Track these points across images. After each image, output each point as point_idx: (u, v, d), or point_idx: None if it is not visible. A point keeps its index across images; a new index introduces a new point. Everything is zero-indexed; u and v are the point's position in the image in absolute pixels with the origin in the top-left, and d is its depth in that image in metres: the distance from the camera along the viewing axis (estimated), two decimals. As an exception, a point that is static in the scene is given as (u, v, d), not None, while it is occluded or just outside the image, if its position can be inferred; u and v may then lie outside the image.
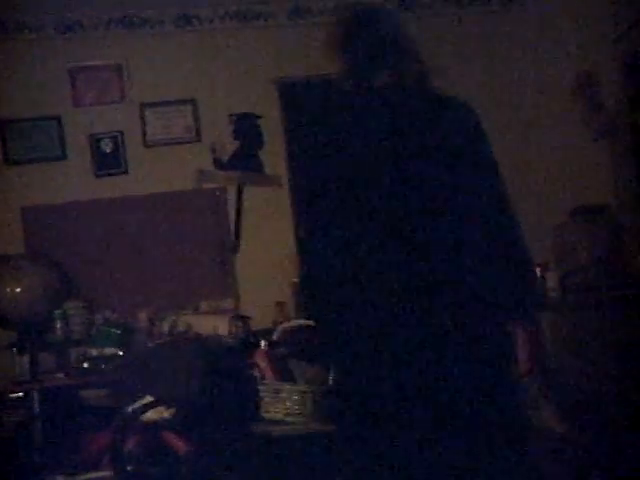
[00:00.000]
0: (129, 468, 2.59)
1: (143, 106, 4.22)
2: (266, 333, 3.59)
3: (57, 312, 3.73)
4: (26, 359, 3.56)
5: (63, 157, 4.16)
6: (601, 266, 3.45)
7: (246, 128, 4.18)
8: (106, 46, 4.20)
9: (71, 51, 4.16)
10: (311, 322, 2.16)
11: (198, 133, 4.25)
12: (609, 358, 3.07)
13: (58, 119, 4.15)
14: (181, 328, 3.92)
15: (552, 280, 3.84)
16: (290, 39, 4.30)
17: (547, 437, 3.53)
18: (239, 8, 4.28)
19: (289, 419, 2.29)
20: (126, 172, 4.21)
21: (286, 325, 2.56)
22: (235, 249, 4.22)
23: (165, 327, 3.93)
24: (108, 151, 4.19)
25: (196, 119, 4.26)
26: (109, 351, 3.60)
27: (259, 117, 4.20)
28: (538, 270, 3.92)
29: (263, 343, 2.60)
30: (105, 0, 4.01)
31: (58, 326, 3.73)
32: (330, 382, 2.18)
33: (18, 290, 3.69)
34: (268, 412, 2.33)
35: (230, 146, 4.22)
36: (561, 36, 4.05)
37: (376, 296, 1.61)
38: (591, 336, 3.19)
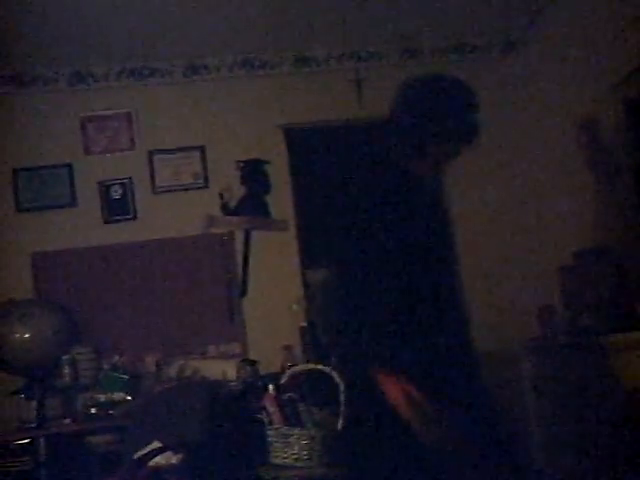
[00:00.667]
0: (137, 515, 2.56)
1: (152, 153, 4.30)
2: (274, 377, 3.59)
3: (65, 357, 3.74)
4: (33, 405, 3.55)
5: (73, 204, 4.22)
6: (606, 309, 3.45)
7: (253, 174, 4.25)
8: (117, 96, 4.29)
9: (83, 101, 4.26)
10: (319, 366, 2.16)
11: (206, 179, 4.31)
12: (616, 400, 3.05)
13: (69, 167, 4.22)
14: (189, 373, 3.92)
15: (558, 323, 3.84)
16: (295, 86, 4.40)
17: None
18: (246, 57, 4.39)
19: (298, 464, 2.28)
20: (135, 218, 4.26)
21: (294, 369, 2.56)
22: (243, 293, 4.25)
23: (173, 372, 3.93)
24: (117, 197, 4.25)
25: (204, 165, 4.32)
26: (117, 396, 3.60)
27: (266, 162, 4.27)
28: (545, 312, 3.94)
29: (271, 387, 2.60)
30: (116, 52, 4.11)
31: (66, 371, 3.73)
32: (339, 427, 2.18)
33: (26, 336, 3.70)
34: (277, 457, 2.32)
35: (238, 192, 4.29)
36: (563, 81, 4.12)
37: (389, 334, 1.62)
38: (597, 378, 3.17)
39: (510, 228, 4.44)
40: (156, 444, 2.78)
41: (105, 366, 3.86)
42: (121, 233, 4.20)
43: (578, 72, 3.94)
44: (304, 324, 4.00)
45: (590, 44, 3.81)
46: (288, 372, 2.59)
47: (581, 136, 3.90)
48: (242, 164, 4.26)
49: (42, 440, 3.42)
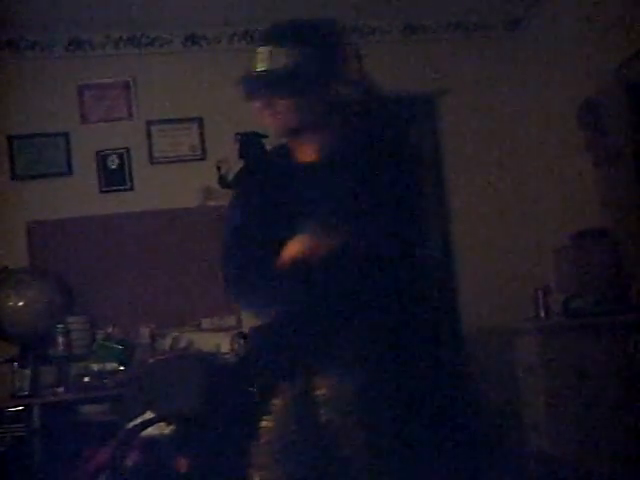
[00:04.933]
0: (129, 484, 2.58)
1: (150, 123, 4.26)
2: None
3: (59, 327, 3.74)
4: (27, 373, 3.56)
5: (69, 173, 4.19)
6: (602, 290, 3.46)
7: (251, 147, 4.22)
8: (114, 64, 4.24)
9: (80, 69, 4.21)
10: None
11: (204, 151, 4.29)
12: (610, 382, 3.07)
13: (66, 135, 4.18)
14: (183, 344, 3.93)
15: (554, 304, 3.86)
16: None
17: (546, 461, 3.52)
18: (247, 29, 4.33)
19: (290, 437, 2.29)
20: (131, 188, 4.23)
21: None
22: (238, 267, 4.24)
23: (167, 343, 3.94)
24: (114, 167, 4.22)
25: (202, 137, 4.29)
26: (110, 366, 3.61)
27: (264, 137, 4.23)
28: (540, 293, 3.95)
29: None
30: (115, 19, 4.06)
31: (60, 341, 3.73)
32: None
33: (21, 304, 3.70)
34: (269, 430, 2.32)
35: (235, 165, 4.26)
36: (564, 62, 4.10)
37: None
38: (591, 360, 3.19)
39: (508, 208, 4.44)
40: (149, 414, 2.79)
41: (99, 336, 3.87)
42: (117, 203, 4.18)
43: (580, 53, 3.91)
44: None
45: (593, 25, 3.77)
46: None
47: (581, 117, 3.88)
48: (240, 137, 4.23)
49: (36, 408, 3.43)
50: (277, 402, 1.68)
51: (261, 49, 1.80)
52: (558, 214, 4.22)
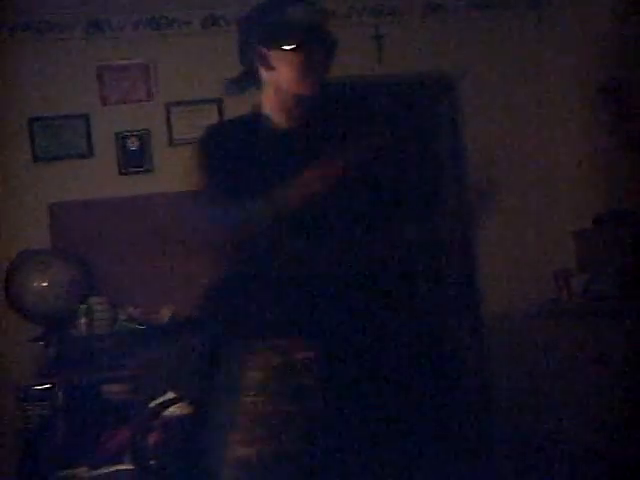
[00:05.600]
0: (151, 463, 2.62)
1: (169, 105, 4.27)
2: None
3: (81, 307, 3.79)
4: (51, 353, 3.61)
5: (90, 154, 4.21)
6: (623, 273, 3.43)
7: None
8: (134, 46, 4.24)
9: (99, 50, 4.21)
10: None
11: (223, 133, 4.28)
12: (632, 366, 3.05)
13: (86, 117, 4.20)
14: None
15: (575, 287, 3.83)
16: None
17: (568, 446, 3.52)
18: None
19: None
20: (151, 170, 4.25)
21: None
22: (258, 248, 4.25)
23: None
24: (134, 149, 4.24)
25: (221, 118, 4.29)
26: (132, 347, 3.65)
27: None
28: (562, 276, 3.93)
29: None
30: (133, 1, 4.05)
31: (82, 321, 3.78)
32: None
33: (44, 284, 3.74)
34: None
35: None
36: (591, 41, 4.03)
37: None
38: (614, 344, 3.18)
39: (528, 190, 4.40)
40: (170, 394, 2.82)
41: (120, 317, 3.91)
42: (137, 185, 4.20)
43: (604, 34, 3.85)
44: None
45: (618, 4, 3.71)
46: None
47: (603, 99, 3.83)
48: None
49: (60, 387, 3.48)
50: (255, 374, 1.62)
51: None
52: (579, 196, 4.18)
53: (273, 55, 1.76)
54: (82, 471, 2.94)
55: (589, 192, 4.06)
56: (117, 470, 2.82)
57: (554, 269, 4.00)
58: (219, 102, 4.28)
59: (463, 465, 1.56)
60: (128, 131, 4.23)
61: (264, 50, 1.77)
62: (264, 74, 1.81)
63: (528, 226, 4.34)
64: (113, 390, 3.50)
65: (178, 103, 4.27)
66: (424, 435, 1.59)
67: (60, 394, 3.45)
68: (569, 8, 4.21)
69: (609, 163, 3.87)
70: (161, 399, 2.85)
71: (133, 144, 4.24)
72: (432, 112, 4.50)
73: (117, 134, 4.23)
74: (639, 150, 3.61)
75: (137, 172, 4.23)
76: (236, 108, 4.49)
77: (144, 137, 4.24)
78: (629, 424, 3.04)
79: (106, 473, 2.85)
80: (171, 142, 4.27)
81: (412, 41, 4.35)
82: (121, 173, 4.23)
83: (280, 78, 1.78)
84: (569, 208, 4.27)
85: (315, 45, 1.74)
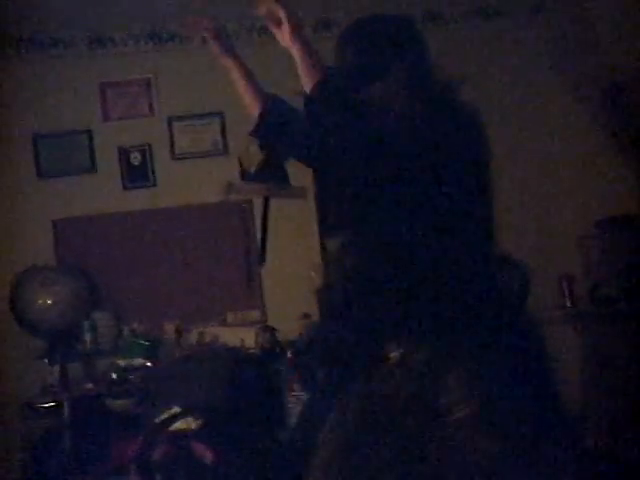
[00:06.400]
0: (157, 477, 2.61)
1: (171, 119, 4.28)
2: (292, 344, 3.61)
3: (86, 323, 3.79)
4: (56, 369, 3.61)
5: (93, 170, 4.23)
6: (628, 278, 3.41)
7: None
8: (136, 61, 4.27)
9: (102, 66, 4.24)
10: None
11: (226, 146, 4.30)
12: (637, 369, 3.03)
13: (89, 133, 4.22)
14: (208, 340, 3.96)
15: (579, 292, 3.82)
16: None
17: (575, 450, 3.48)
18: (263, 23, 4.32)
19: (316, 430, 2.30)
20: (154, 185, 4.26)
21: (313, 335, 2.58)
22: (261, 261, 4.25)
23: (192, 339, 3.97)
24: (137, 164, 4.25)
25: (224, 132, 4.30)
26: (137, 362, 3.64)
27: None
28: (566, 282, 3.91)
29: (289, 354, 2.63)
30: (135, 16, 4.08)
31: (87, 337, 3.78)
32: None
33: (49, 301, 3.75)
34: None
35: (258, 158, 4.27)
36: (589, 45, 4.03)
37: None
38: (619, 347, 3.16)
39: (532, 195, 4.39)
40: (176, 409, 2.82)
41: (125, 332, 3.91)
42: (140, 200, 4.21)
43: (604, 37, 3.85)
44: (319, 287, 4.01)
45: (615, 8, 3.71)
46: (306, 338, 2.61)
47: (606, 102, 3.83)
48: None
49: (65, 403, 3.48)
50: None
51: None
52: (583, 201, 4.16)
53: None
54: (88, 486, 2.93)
55: (592, 197, 4.05)
56: (123, 485, 2.82)
57: (558, 274, 3.98)
58: (221, 116, 4.30)
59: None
60: (131, 146, 4.25)
61: None
62: None
63: (532, 231, 4.33)
64: (119, 405, 3.49)
65: (180, 117, 4.28)
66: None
67: (65, 409, 3.45)
68: (568, 14, 4.21)
69: (611, 168, 3.86)
70: (167, 414, 2.85)
71: (136, 159, 4.25)
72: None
73: (120, 149, 4.24)
74: (637, 152, 3.60)
75: (140, 187, 4.25)
76: (239, 122, 4.52)
77: (147, 152, 4.26)
78: (635, 426, 3.02)
79: (112, 488, 2.84)
80: (174, 156, 4.29)
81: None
82: (124, 188, 4.25)
83: None
84: (573, 213, 4.25)
85: None
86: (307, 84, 1.65)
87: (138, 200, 4.21)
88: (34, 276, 3.80)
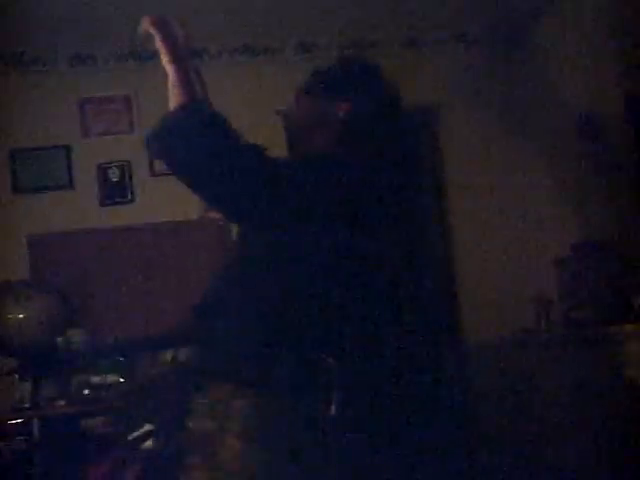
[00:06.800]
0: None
1: (151, 137, 4.28)
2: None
3: (60, 339, 3.74)
4: (27, 386, 3.55)
5: (70, 186, 4.20)
6: (603, 301, 3.45)
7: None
8: (116, 78, 4.27)
9: (81, 83, 4.23)
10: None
11: (204, 164, 4.29)
12: (612, 394, 3.06)
13: (67, 148, 4.20)
14: (183, 358, 3.92)
15: (554, 315, 3.85)
16: (296, 73, 4.36)
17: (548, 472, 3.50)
18: (246, 43, 4.36)
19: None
20: (132, 201, 4.25)
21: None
22: (239, 279, 4.24)
23: (167, 356, 3.93)
24: (115, 180, 4.24)
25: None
26: (111, 379, 3.60)
27: (264, 149, 4.25)
28: (541, 305, 3.95)
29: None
30: (116, 34, 4.08)
31: (60, 354, 3.73)
32: (332, 412, 2.18)
33: (21, 317, 3.69)
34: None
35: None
36: (564, 75, 4.11)
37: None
38: (593, 371, 3.18)
39: (508, 219, 4.44)
40: (148, 427, 2.79)
41: (99, 348, 3.86)
42: (119, 216, 4.19)
43: (578, 65, 3.93)
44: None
45: (591, 38, 3.79)
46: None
47: (582, 129, 3.89)
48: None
49: (36, 421, 3.42)
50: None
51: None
52: (559, 224, 4.22)
53: None
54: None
55: (569, 220, 4.10)
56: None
57: (534, 297, 4.02)
58: (201, 134, 4.30)
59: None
60: (109, 162, 4.23)
61: None
62: None
63: (508, 254, 4.36)
64: (92, 423, 3.44)
65: (160, 134, 4.28)
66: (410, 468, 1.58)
67: (37, 428, 3.39)
68: (546, 43, 4.30)
69: (587, 192, 3.92)
70: (140, 431, 2.82)
71: (114, 175, 4.24)
72: (413, 143, 4.55)
73: (98, 165, 4.22)
74: (616, 177, 3.67)
75: (118, 203, 4.22)
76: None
77: (125, 168, 4.25)
78: (611, 451, 3.04)
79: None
80: (153, 172, 4.28)
81: (394, 73, 4.41)
82: (102, 204, 4.22)
83: None
84: (549, 236, 4.30)
85: None
86: (171, 103, 1.68)
87: (116, 216, 4.19)
88: (7, 292, 3.75)
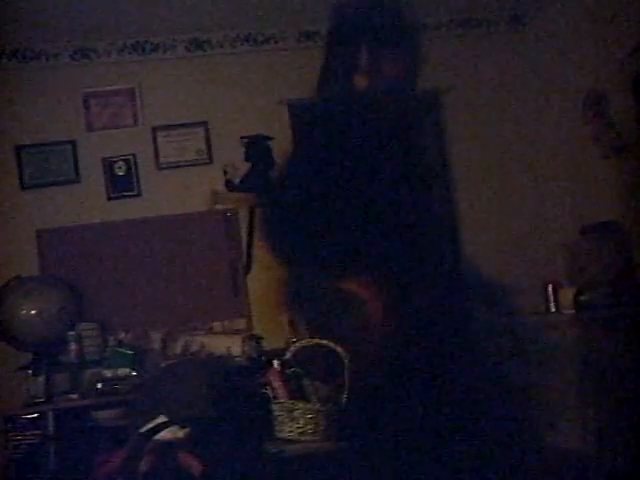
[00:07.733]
0: (144, 488, 2.59)
1: (156, 129, 4.28)
2: (279, 352, 3.61)
3: (71, 334, 3.76)
4: (41, 380, 3.58)
5: (77, 180, 4.21)
6: (612, 283, 3.44)
7: (257, 150, 4.23)
8: (120, 71, 4.26)
9: (85, 77, 4.23)
10: (324, 341, 2.17)
11: (210, 155, 4.30)
12: (624, 374, 3.06)
13: (73, 143, 4.21)
14: (194, 348, 3.94)
15: (565, 298, 3.84)
16: (299, 62, 4.36)
17: (564, 458, 3.51)
18: (249, 32, 4.35)
19: (302, 438, 2.29)
20: (139, 194, 4.25)
21: (299, 344, 2.57)
22: (247, 269, 4.25)
23: (178, 348, 3.95)
24: (121, 174, 4.24)
25: (208, 141, 4.31)
26: (122, 372, 3.62)
27: (270, 139, 4.25)
28: (550, 288, 3.94)
29: (276, 362, 2.61)
30: (119, 27, 4.08)
31: (72, 348, 3.75)
32: (343, 401, 2.19)
33: (33, 312, 3.72)
34: (282, 431, 2.32)
35: (242, 168, 4.28)
36: (569, 55, 4.08)
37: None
38: (605, 353, 3.18)
39: (516, 203, 4.43)
40: (162, 418, 2.80)
41: (110, 342, 3.89)
42: (125, 209, 4.20)
43: (584, 47, 3.90)
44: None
45: (597, 19, 3.76)
46: (292, 347, 2.60)
47: (587, 110, 3.87)
48: (246, 140, 4.25)
49: (50, 415, 3.45)
50: None
51: None
52: (567, 207, 4.20)
53: None
54: (73, 499, 2.90)
55: (577, 203, 4.09)
56: (109, 497, 2.79)
57: (543, 281, 4.01)
58: (205, 125, 4.30)
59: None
60: (115, 156, 4.24)
61: None
62: None
63: (516, 238, 4.36)
64: (104, 416, 3.47)
65: (164, 127, 4.28)
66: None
67: (50, 421, 3.41)
68: (551, 23, 4.26)
69: (595, 174, 3.90)
70: (152, 423, 2.83)
71: (120, 169, 4.24)
72: (418, 128, 4.52)
73: (104, 159, 4.23)
74: (623, 158, 3.65)
75: (125, 197, 4.24)
76: (223, 131, 4.53)
77: (131, 162, 4.25)
78: (624, 431, 3.04)
79: (98, 500, 2.81)
80: (158, 166, 4.28)
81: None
82: (109, 198, 4.24)
83: None
84: (557, 219, 4.29)
85: None
86: None
87: (123, 210, 4.20)
88: (18, 287, 3.78)
